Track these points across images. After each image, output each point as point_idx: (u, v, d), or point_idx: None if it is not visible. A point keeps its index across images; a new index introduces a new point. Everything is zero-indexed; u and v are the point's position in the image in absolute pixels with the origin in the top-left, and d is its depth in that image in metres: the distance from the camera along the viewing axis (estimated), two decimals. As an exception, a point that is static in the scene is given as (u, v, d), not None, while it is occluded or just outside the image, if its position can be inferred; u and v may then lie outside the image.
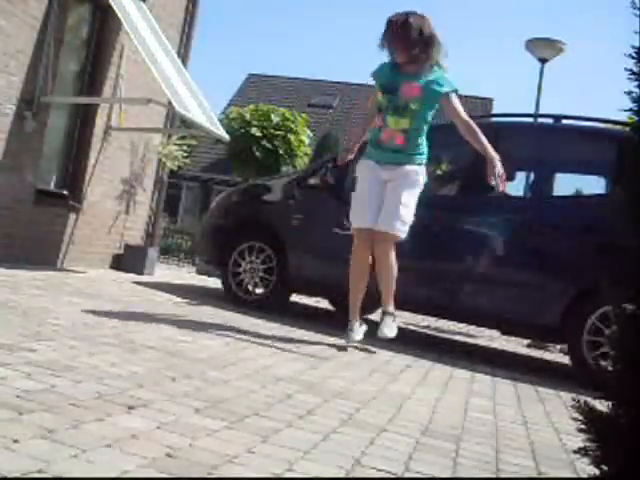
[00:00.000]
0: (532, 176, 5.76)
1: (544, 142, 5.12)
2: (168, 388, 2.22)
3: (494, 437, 2.43)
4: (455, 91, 3.96)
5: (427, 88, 3.91)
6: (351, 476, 1.69)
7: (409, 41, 3.86)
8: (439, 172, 5.65)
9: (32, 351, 2.37)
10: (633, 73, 1.48)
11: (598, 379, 1.53)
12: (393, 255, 3.91)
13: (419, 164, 4.00)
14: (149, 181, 7.27)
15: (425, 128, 4.01)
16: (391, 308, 3.97)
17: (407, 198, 3.93)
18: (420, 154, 4.01)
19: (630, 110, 1.51)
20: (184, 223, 23.53)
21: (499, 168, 3.78)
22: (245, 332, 3.94)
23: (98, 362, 2.40)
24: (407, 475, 1.79)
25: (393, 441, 2.09)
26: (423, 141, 4.02)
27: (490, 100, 29.17)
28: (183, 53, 7.46)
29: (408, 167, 3.96)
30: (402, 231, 3.91)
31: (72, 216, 6.15)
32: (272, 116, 19.09)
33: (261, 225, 5.47)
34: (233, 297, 5.36)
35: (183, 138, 7.37)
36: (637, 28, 1.47)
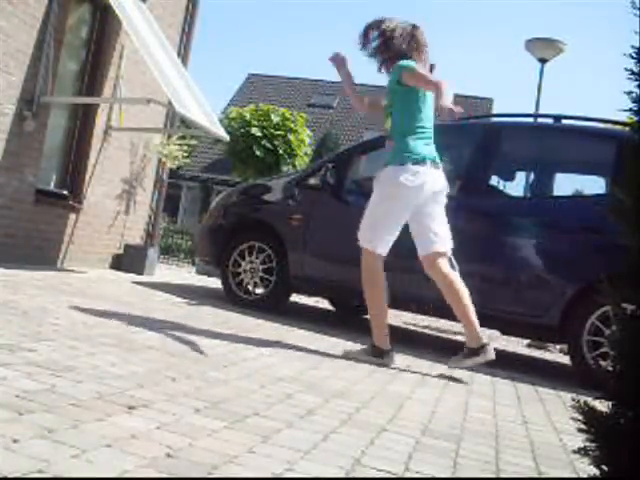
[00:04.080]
0: (532, 176, 5.77)
1: (544, 142, 5.12)
2: (168, 388, 2.22)
3: (494, 437, 2.43)
4: (402, 69, 3.69)
5: (388, 82, 3.82)
6: (351, 476, 1.69)
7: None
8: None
9: (32, 351, 2.36)
10: (633, 73, 1.48)
11: (598, 379, 1.53)
12: (373, 272, 3.70)
13: (398, 163, 3.64)
14: (149, 181, 7.28)
15: (404, 124, 3.71)
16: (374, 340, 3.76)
17: (372, 204, 3.72)
18: (395, 153, 3.68)
19: (630, 110, 1.51)
20: (184, 223, 23.54)
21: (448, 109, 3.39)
22: (245, 332, 3.94)
23: (98, 362, 2.40)
24: (407, 475, 1.79)
25: (393, 441, 2.09)
26: (404, 140, 3.68)
27: (490, 100, 29.22)
28: (183, 53, 7.47)
29: (385, 169, 3.73)
30: (367, 240, 3.68)
31: (72, 216, 6.15)
32: (272, 116, 19.11)
33: (261, 225, 5.47)
34: (233, 297, 5.36)
35: (183, 138, 7.37)
36: (637, 28, 1.47)
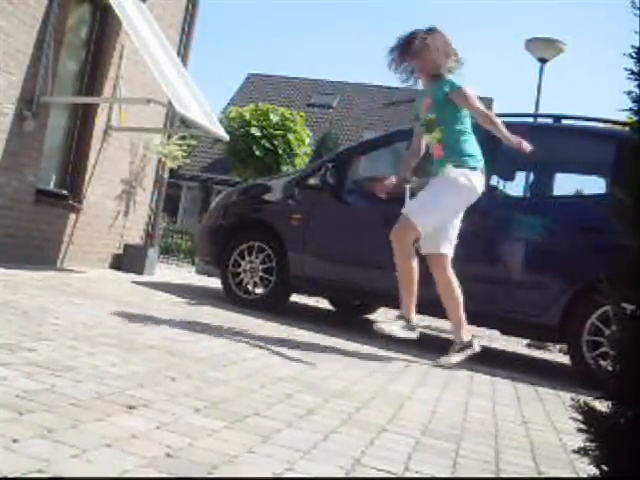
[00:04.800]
0: (532, 176, 5.77)
1: (544, 142, 5.12)
2: (168, 388, 2.22)
3: (494, 437, 2.43)
4: (455, 88, 3.91)
5: (434, 95, 4.00)
6: (351, 476, 1.69)
7: (418, 58, 3.97)
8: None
9: (32, 351, 2.37)
10: (633, 73, 1.48)
11: (598, 379, 1.53)
12: (407, 246, 3.87)
13: (454, 165, 3.90)
14: (149, 181, 7.27)
15: (459, 130, 3.95)
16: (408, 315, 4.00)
17: (437, 193, 3.91)
18: (455, 156, 3.92)
19: (630, 110, 1.51)
20: (184, 223, 23.54)
21: (514, 140, 3.79)
22: (245, 332, 3.94)
23: (98, 362, 2.40)
24: (407, 475, 1.79)
25: (393, 441, 2.09)
26: (462, 144, 3.94)
27: (490, 100, 29.21)
28: (183, 53, 7.46)
29: (441, 173, 3.94)
30: (415, 216, 3.84)
31: (72, 216, 6.15)
32: (271, 116, 19.09)
33: (261, 225, 5.47)
34: (233, 297, 5.36)
35: (183, 138, 7.37)
36: (637, 28, 1.47)
